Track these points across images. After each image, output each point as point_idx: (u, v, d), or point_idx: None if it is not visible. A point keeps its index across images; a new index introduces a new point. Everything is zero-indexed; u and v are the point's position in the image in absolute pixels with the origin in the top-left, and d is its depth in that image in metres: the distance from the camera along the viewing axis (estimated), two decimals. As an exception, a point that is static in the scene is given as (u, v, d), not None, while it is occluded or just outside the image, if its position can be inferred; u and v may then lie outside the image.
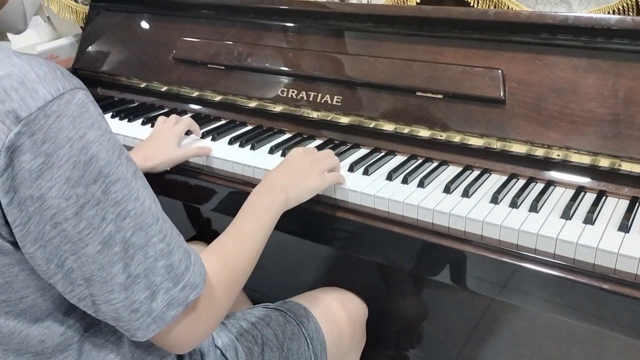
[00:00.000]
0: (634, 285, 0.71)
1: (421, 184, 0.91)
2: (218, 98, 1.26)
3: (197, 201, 1.13)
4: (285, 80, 1.17)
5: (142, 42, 1.39)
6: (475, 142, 0.97)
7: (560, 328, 1.06)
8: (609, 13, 0.97)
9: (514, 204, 0.84)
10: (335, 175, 0.92)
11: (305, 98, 1.13)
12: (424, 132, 1.02)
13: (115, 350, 0.67)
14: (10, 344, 0.60)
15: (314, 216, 0.93)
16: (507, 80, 0.95)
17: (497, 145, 0.95)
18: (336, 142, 1.11)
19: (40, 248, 0.54)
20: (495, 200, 0.86)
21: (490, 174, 0.96)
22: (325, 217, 0.93)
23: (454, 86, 0.98)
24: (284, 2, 1.17)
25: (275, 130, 1.17)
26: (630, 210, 0.81)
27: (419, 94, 1.02)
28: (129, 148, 1.12)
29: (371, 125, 1.07)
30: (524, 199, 0.86)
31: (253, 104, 1.21)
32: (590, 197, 0.86)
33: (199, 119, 1.24)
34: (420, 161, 1.01)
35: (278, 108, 1.18)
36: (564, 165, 0.91)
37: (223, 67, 1.25)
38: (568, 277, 0.74)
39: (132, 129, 1.24)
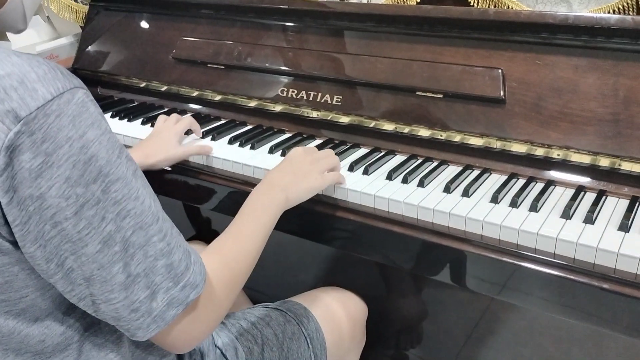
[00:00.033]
0: (634, 285, 0.71)
1: (421, 184, 0.91)
2: (218, 98, 1.26)
3: (197, 201, 1.13)
4: (285, 79, 1.17)
5: (141, 41, 1.39)
6: (475, 141, 0.97)
7: (560, 328, 1.06)
8: (609, 12, 0.97)
9: (514, 204, 0.84)
10: (335, 174, 0.92)
11: (305, 98, 1.13)
12: (424, 132, 1.02)
13: (115, 349, 0.67)
14: (10, 343, 0.60)
15: (314, 216, 0.93)
16: (507, 79, 0.95)
17: (497, 144, 0.95)
18: (336, 141, 1.10)
19: (40, 247, 0.54)
20: (495, 199, 0.86)
21: (490, 173, 0.96)
22: (325, 217, 0.93)
23: (454, 86, 0.98)
24: (284, 1, 1.17)
25: (275, 129, 1.17)
26: (630, 210, 0.81)
27: (419, 93, 1.02)
28: (129, 147, 1.12)
29: (371, 125, 1.07)
30: (524, 199, 0.86)
31: (253, 104, 1.21)
32: (590, 197, 0.86)
33: (199, 118, 1.23)
34: (420, 161, 1.01)
35: (278, 108, 1.18)
36: (564, 165, 0.91)
37: (223, 67, 1.25)
38: (568, 276, 0.74)
39: (131, 129, 1.24)
